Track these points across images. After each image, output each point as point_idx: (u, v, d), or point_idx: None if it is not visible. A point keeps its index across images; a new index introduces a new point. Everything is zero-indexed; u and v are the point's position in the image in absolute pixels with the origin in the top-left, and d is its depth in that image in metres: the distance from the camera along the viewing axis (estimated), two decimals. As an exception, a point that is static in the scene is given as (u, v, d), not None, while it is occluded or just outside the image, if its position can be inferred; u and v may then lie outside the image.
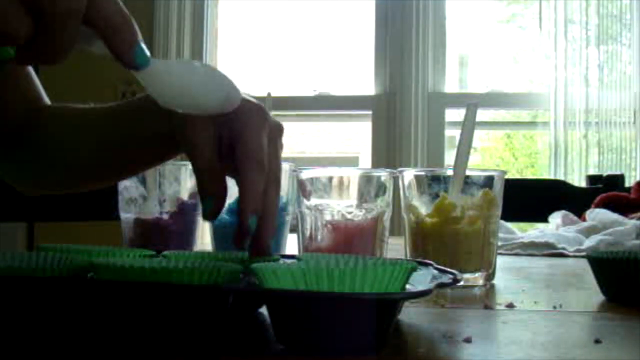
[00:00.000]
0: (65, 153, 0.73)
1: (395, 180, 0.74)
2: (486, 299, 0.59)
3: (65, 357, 0.37)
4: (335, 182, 0.73)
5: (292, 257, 0.58)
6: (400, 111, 2.38)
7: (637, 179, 2.03)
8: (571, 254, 0.98)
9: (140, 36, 0.44)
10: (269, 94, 0.82)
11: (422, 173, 0.72)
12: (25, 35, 0.41)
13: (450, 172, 0.69)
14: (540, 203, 1.39)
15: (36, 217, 1.60)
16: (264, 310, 0.47)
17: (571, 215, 1.19)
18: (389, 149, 2.38)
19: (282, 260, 0.54)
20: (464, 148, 0.69)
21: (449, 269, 0.49)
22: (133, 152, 0.66)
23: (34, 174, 0.78)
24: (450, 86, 2.55)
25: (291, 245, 0.80)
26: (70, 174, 0.75)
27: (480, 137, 4.36)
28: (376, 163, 2.40)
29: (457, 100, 2.46)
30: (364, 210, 0.72)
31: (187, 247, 0.81)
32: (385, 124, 2.40)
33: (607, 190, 1.35)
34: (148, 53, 0.45)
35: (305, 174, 0.73)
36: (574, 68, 2.34)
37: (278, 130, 0.57)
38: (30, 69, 0.77)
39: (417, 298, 0.47)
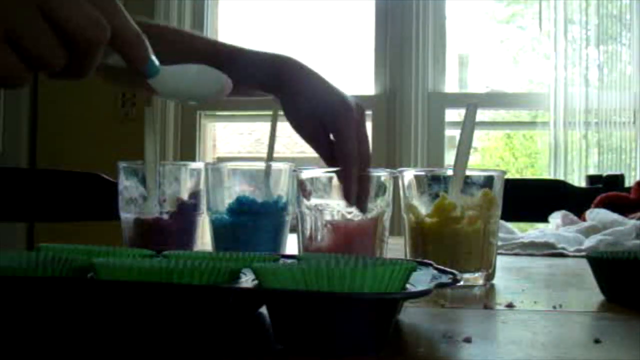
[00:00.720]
0: None
1: (395, 180, 0.74)
2: (486, 299, 0.59)
3: (65, 358, 0.37)
4: (335, 182, 0.73)
5: (292, 257, 0.58)
6: (400, 111, 2.38)
7: (637, 179, 2.03)
8: (571, 254, 0.98)
9: (151, 50, 0.53)
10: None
11: (422, 173, 0.72)
12: (62, 65, 0.48)
13: (450, 172, 0.69)
14: (540, 203, 1.38)
15: (36, 217, 1.59)
16: (264, 310, 0.47)
17: (571, 215, 1.19)
18: (389, 149, 2.38)
19: (282, 260, 0.54)
20: (464, 148, 0.69)
21: (449, 269, 0.49)
22: None
23: None
24: (450, 86, 2.55)
25: (291, 245, 0.80)
26: None
27: (480, 137, 4.37)
28: (376, 163, 2.40)
29: (457, 100, 2.46)
30: (364, 210, 0.72)
31: (187, 247, 0.81)
32: (385, 124, 2.40)
33: (607, 190, 1.35)
34: (157, 63, 0.54)
35: (305, 174, 0.74)
36: (574, 68, 2.34)
37: (361, 115, 0.78)
38: None
39: (417, 298, 0.47)
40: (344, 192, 0.72)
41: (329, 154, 0.77)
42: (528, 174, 4.83)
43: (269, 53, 0.86)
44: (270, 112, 0.80)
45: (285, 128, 0.83)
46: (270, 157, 0.79)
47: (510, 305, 0.55)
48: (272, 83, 0.83)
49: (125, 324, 0.39)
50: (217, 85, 0.60)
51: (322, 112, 0.77)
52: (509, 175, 0.74)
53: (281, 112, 0.81)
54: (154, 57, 0.53)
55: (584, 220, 1.16)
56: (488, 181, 0.70)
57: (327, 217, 0.72)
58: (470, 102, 0.70)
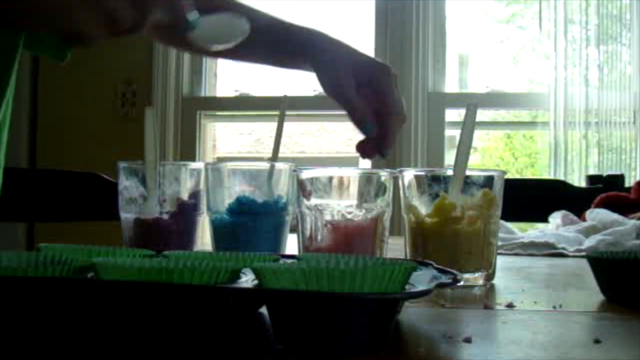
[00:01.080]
0: None
1: (395, 180, 0.74)
2: (486, 299, 0.59)
3: (65, 357, 0.37)
4: (335, 182, 0.73)
5: (292, 257, 0.58)
6: (400, 111, 2.38)
7: (637, 179, 2.03)
8: (571, 254, 0.98)
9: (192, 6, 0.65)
10: (285, 96, 0.82)
11: (422, 173, 0.72)
12: (130, 22, 0.60)
13: (450, 172, 0.69)
14: (540, 203, 1.38)
15: (36, 217, 1.59)
16: (264, 310, 0.47)
17: (571, 215, 1.19)
18: (389, 149, 2.37)
19: (282, 260, 0.54)
20: (464, 148, 0.69)
21: (449, 269, 0.49)
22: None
23: None
24: (450, 86, 2.55)
25: (291, 245, 0.80)
26: None
27: (480, 137, 4.37)
28: (376, 163, 2.40)
29: (457, 100, 2.46)
30: (364, 210, 0.72)
31: (187, 247, 0.81)
32: (385, 124, 2.40)
33: (607, 190, 1.35)
34: (197, 17, 0.65)
35: (305, 174, 0.73)
36: (574, 68, 2.34)
37: (395, 77, 0.85)
38: None
39: (417, 298, 0.47)
40: (378, 142, 0.78)
41: (359, 116, 0.79)
42: (528, 174, 4.84)
43: (296, 25, 0.89)
44: (277, 112, 0.80)
45: (286, 128, 0.83)
46: (275, 157, 0.79)
47: (510, 305, 0.55)
48: (301, 52, 0.86)
49: (125, 324, 0.39)
50: (242, 29, 0.70)
51: (358, 71, 0.81)
52: (509, 175, 0.74)
53: (287, 112, 0.81)
54: (194, 12, 0.65)
55: (584, 220, 1.16)
56: (488, 181, 0.70)
57: (327, 217, 0.72)
58: (470, 102, 0.70)
